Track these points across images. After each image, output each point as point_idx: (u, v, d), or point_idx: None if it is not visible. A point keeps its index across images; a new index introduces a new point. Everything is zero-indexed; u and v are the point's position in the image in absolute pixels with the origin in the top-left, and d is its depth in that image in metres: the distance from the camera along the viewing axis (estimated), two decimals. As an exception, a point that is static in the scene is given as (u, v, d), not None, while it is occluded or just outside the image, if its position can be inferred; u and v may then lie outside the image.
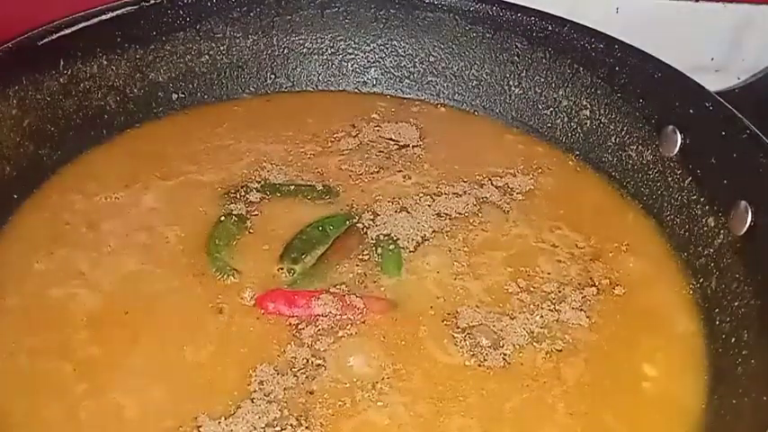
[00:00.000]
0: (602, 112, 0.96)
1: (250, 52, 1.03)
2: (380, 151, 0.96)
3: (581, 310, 0.79)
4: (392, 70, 1.06)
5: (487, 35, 1.02)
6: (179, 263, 0.80)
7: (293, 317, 0.75)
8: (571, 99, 0.98)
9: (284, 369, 0.71)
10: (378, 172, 0.93)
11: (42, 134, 0.89)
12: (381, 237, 0.84)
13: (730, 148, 0.82)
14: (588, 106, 0.97)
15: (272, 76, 1.04)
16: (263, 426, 0.66)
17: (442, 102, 1.05)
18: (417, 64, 1.05)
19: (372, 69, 1.06)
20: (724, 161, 0.83)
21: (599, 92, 0.96)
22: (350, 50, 1.06)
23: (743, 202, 0.78)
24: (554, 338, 0.76)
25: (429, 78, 1.05)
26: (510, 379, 0.72)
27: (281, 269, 0.80)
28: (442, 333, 0.75)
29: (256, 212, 0.86)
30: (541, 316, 0.78)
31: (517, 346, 0.75)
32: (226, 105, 1.02)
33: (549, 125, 1.00)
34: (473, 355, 0.74)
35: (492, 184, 0.92)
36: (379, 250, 0.82)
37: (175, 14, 0.98)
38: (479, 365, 0.73)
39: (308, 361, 0.71)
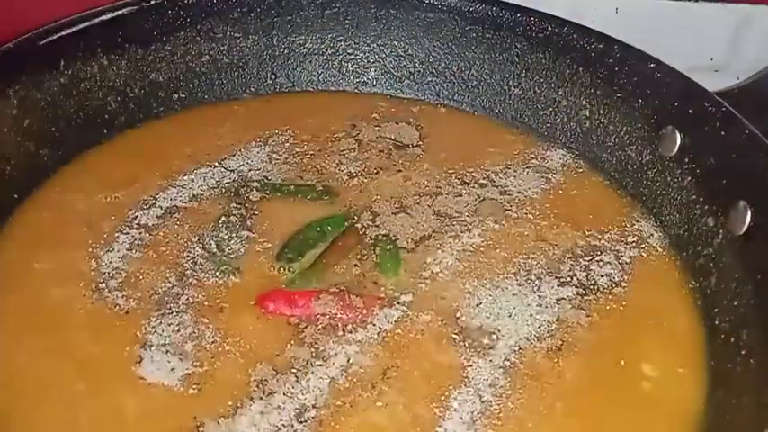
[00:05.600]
0: (602, 112, 0.96)
1: (250, 52, 1.03)
2: (380, 151, 0.96)
3: (581, 309, 0.79)
4: (392, 70, 1.06)
5: (487, 35, 1.02)
6: (179, 262, 0.80)
7: (293, 316, 0.75)
8: (571, 99, 0.98)
9: (284, 369, 0.71)
10: (377, 172, 0.93)
11: (43, 134, 0.89)
12: (380, 237, 0.84)
13: (730, 148, 0.82)
14: (588, 106, 0.97)
15: (273, 77, 1.05)
16: (263, 425, 0.66)
17: (441, 102, 1.05)
18: (417, 64, 1.05)
19: (372, 69, 1.06)
20: (723, 161, 0.83)
21: (599, 92, 0.96)
22: (350, 51, 1.06)
23: (742, 203, 0.78)
24: (554, 338, 0.76)
25: (429, 78, 1.05)
26: (509, 378, 0.72)
27: (281, 269, 0.80)
28: (441, 333, 0.75)
29: (256, 212, 0.86)
30: (541, 315, 0.78)
31: (517, 346, 0.75)
32: (226, 105, 1.02)
33: (549, 125, 1.00)
34: (472, 354, 0.74)
35: (492, 184, 0.93)
36: (378, 250, 0.82)
37: (176, 15, 0.98)
38: (478, 365, 0.73)
39: (307, 361, 0.72)
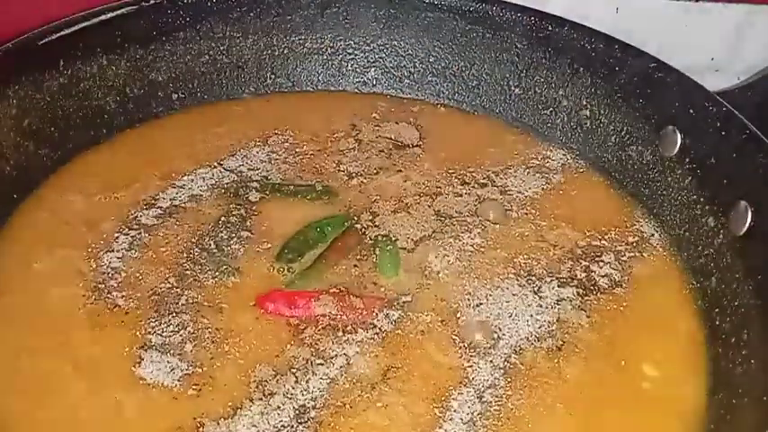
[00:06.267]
0: (602, 112, 0.96)
1: (250, 52, 1.03)
2: (380, 151, 0.96)
3: (581, 309, 0.79)
4: (392, 70, 1.06)
5: (487, 35, 1.02)
6: (179, 262, 0.80)
7: (293, 317, 0.75)
8: (571, 99, 0.98)
9: (284, 369, 0.71)
10: (377, 172, 0.93)
11: (42, 134, 0.89)
12: (380, 237, 0.84)
13: (730, 148, 0.82)
14: (588, 106, 0.97)
15: (272, 76, 1.05)
16: (263, 426, 0.66)
17: (442, 102, 1.05)
18: (417, 64, 1.05)
19: (372, 69, 1.06)
20: (724, 161, 0.83)
21: (599, 92, 0.96)
22: (350, 50, 1.06)
23: (743, 202, 0.78)
24: (554, 338, 0.76)
25: (429, 78, 1.05)
26: (510, 379, 0.72)
27: (280, 269, 0.80)
28: (441, 333, 0.75)
29: (256, 212, 0.86)
30: (542, 315, 0.78)
31: (517, 346, 0.75)
32: (226, 105, 1.02)
33: (549, 125, 1.00)
34: (472, 355, 0.74)
35: (492, 184, 0.92)
36: (378, 250, 0.82)
37: (175, 14, 0.98)
38: (478, 366, 0.73)
39: (307, 361, 0.71)
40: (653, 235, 0.88)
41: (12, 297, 0.76)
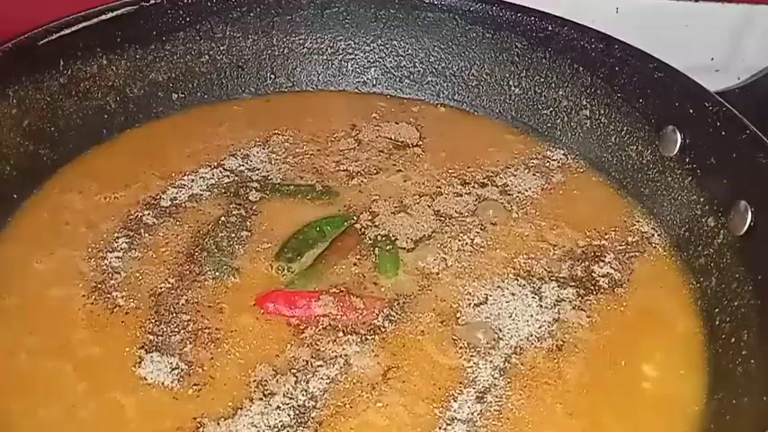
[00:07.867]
0: (602, 112, 0.96)
1: (250, 52, 1.03)
2: (380, 151, 0.96)
3: (581, 309, 0.79)
4: (392, 70, 1.06)
5: (487, 35, 1.02)
6: (179, 262, 0.80)
7: (293, 317, 0.75)
8: (571, 99, 0.98)
9: (284, 369, 0.71)
10: (377, 172, 0.93)
11: (42, 134, 0.89)
12: (380, 237, 0.84)
13: (730, 148, 0.82)
14: (588, 106, 0.97)
15: (272, 76, 1.05)
16: (263, 426, 0.66)
17: (442, 102, 1.05)
18: (417, 64, 1.05)
19: (372, 69, 1.06)
20: (724, 161, 0.83)
21: (599, 92, 0.96)
22: (350, 50, 1.06)
23: (743, 202, 0.78)
24: (554, 338, 0.76)
25: (429, 78, 1.05)
26: (510, 379, 0.72)
27: (280, 269, 0.80)
28: (441, 333, 0.75)
29: (256, 212, 0.86)
30: (542, 315, 0.78)
31: (517, 346, 0.75)
32: (226, 105, 1.02)
33: (549, 125, 1.00)
34: (472, 355, 0.74)
35: (492, 184, 0.92)
36: (377, 250, 0.82)
37: (175, 14, 0.98)
38: (478, 366, 0.73)
39: (307, 361, 0.71)
40: (653, 235, 0.88)
41: (12, 297, 0.76)
